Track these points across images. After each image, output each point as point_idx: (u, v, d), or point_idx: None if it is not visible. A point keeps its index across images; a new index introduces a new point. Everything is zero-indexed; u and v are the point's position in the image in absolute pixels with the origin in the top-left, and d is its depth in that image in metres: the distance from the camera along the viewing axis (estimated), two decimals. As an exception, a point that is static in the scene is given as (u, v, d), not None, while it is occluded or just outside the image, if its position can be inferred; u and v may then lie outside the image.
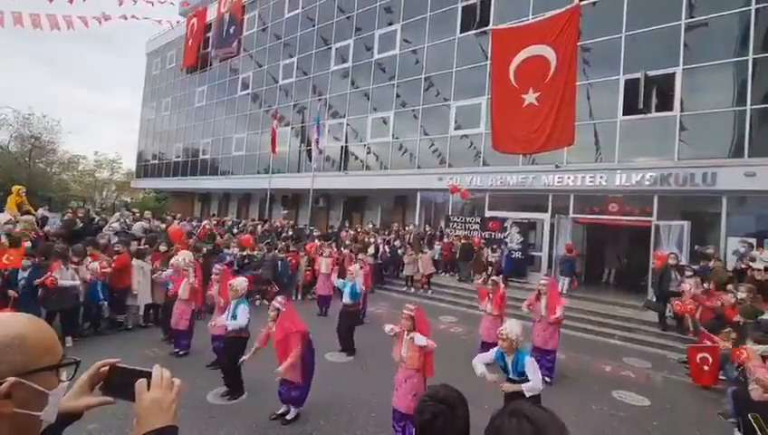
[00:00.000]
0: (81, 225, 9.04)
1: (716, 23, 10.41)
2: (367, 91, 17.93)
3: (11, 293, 5.51)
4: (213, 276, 6.09)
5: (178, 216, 14.15)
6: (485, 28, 13.96)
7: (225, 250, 10.35)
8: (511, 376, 3.73)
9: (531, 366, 3.54)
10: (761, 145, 9.64)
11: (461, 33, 15.04)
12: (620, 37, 11.65)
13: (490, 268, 11.97)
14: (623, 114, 11.48)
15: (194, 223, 13.93)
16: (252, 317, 4.93)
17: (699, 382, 6.03)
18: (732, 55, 10.19)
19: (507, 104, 10.16)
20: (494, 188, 13.59)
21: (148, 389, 0.91)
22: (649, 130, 11.22)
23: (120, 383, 0.95)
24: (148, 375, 0.93)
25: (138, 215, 11.82)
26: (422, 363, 3.78)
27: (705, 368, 5.96)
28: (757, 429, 3.31)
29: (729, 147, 10.17)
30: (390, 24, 17.21)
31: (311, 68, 20.43)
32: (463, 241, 12.52)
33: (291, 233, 14.27)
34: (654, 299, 8.91)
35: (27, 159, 30.72)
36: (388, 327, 4.04)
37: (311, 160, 16.77)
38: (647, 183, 10.78)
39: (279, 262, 10.22)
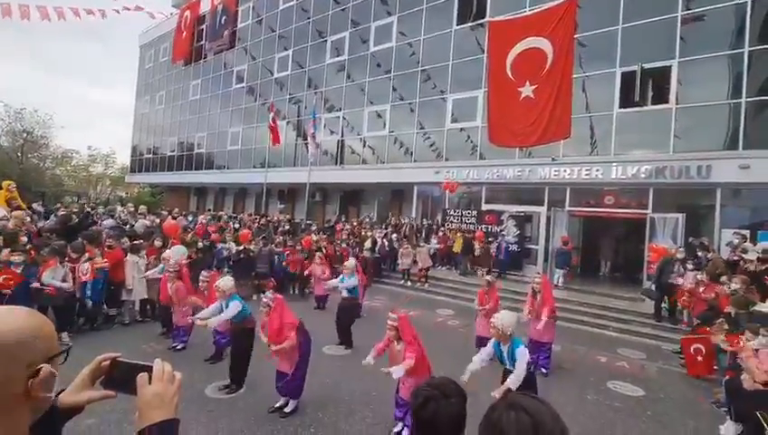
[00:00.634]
0: (77, 220, 8.97)
1: (713, 15, 10.40)
2: (363, 84, 17.82)
3: (5, 291, 5.45)
4: (200, 284, 6.07)
5: (175, 210, 14.04)
6: (482, 20, 13.87)
7: (222, 245, 10.35)
8: (507, 366, 3.80)
9: (520, 355, 3.62)
10: (755, 138, 9.69)
11: (457, 25, 14.94)
12: (617, 29, 11.61)
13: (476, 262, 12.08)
14: (619, 107, 11.50)
15: (189, 218, 13.85)
16: (251, 311, 4.96)
17: (693, 372, 6.12)
18: (728, 48, 10.20)
19: (504, 97, 10.14)
20: (491, 181, 13.61)
21: (150, 383, 0.92)
22: (645, 123, 11.24)
23: (121, 377, 0.96)
24: (149, 369, 0.94)
25: (132, 209, 11.73)
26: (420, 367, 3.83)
27: (699, 358, 6.05)
28: (765, 423, 3.37)
29: (724, 139, 10.22)
30: (387, 16, 17.05)
31: (306, 61, 20.26)
32: (465, 235, 12.55)
33: (287, 227, 14.25)
34: (652, 288, 8.97)
35: (20, 153, 30.36)
36: (366, 361, 3.99)
37: (308, 154, 16.66)
38: (642, 176, 10.83)
39: (276, 256, 10.21)
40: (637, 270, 11.50)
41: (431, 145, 15.59)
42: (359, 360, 5.95)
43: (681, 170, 10.30)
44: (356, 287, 7.03)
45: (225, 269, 9.53)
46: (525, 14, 11.72)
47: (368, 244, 12.16)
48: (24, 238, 6.50)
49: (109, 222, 9.67)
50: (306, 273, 9.79)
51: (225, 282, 4.82)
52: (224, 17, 24.79)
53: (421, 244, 12.57)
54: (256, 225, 13.61)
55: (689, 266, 8.18)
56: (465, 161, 14.30)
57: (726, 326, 5.43)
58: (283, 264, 10.34)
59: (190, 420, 3.98)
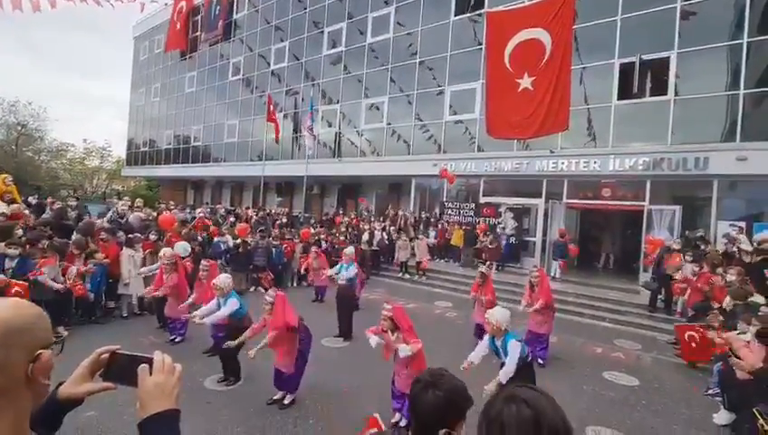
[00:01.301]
0: (75, 215, 8.90)
1: (712, 5, 10.34)
2: (360, 76, 17.68)
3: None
4: (200, 273, 6.07)
5: (171, 204, 13.98)
6: (480, 11, 13.75)
7: (219, 238, 10.32)
8: (503, 360, 3.83)
9: (511, 349, 3.67)
10: (753, 129, 9.69)
11: (455, 16, 14.81)
12: (616, 20, 11.54)
13: (484, 255, 12.11)
14: (617, 99, 11.46)
15: (187, 211, 13.80)
16: (250, 308, 4.97)
17: (690, 359, 6.13)
18: (726, 39, 10.15)
19: (502, 89, 10.09)
20: (489, 173, 13.60)
21: (151, 374, 0.93)
22: (643, 115, 11.22)
23: (121, 369, 0.96)
24: (149, 361, 0.95)
25: (129, 203, 11.65)
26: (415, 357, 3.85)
27: (694, 344, 6.07)
28: (760, 418, 3.42)
29: (722, 131, 10.22)
30: (384, 6, 16.86)
31: (303, 52, 20.07)
32: (465, 227, 12.56)
33: (285, 220, 14.23)
34: (651, 280, 9.04)
35: (14, 147, 30.13)
36: (373, 342, 4.04)
37: (305, 147, 16.60)
38: (640, 168, 10.84)
39: (273, 249, 10.21)
40: (633, 262, 11.57)
41: (429, 138, 15.54)
42: (357, 351, 6.02)
43: (678, 162, 10.31)
44: (354, 277, 7.03)
45: (220, 262, 9.47)
46: (524, 4, 11.63)
47: (365, 236, 12.16)
48: (20, 232, 6.47)
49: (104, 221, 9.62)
50: (304, 268, 9.81)
51: (223, 280, 4.77)
52: (218, 8, 24.48)
53: (419, 236, 12.58)
54: (254, 218, 13.57)
55: (688, 258, 8.22)
56: (464, 154, 14.27)
57: (721, 317, 5.48)
58: (284, 259, 10.35)
59: (189, 411, 4.00)
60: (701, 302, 6.81)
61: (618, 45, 11.47)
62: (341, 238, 12.31)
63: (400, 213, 14.73)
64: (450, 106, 14.88)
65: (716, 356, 5.37)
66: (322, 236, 11.87)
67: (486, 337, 3.99)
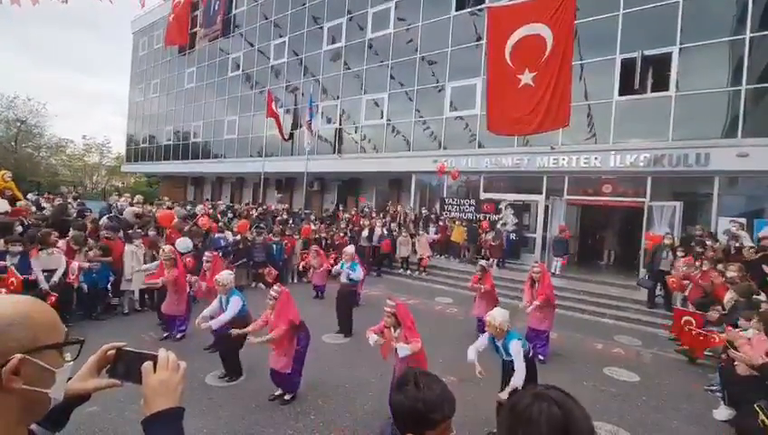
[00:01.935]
0: (75, 212, 8.91)
1: (714, 0, 10.28)
2: (360, 72, 17.60)
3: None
4: (204, 264, 6.08)
5: (165, 199, 13.97)
6: (481, 6, 13.67)
7: (219, 234, 10.31)
8: (504, 357, 3.86)
9: (516, 352, 3.64)
10: (754, 125, 9.67)
11: (456, 11, 14.72)
12: (617, 15, 11.47)
13: (484, 251, 12.12)
14: (619, 95, 11.42)
15: (188, 207, 13.79)
16: (250, 303, 4.97)
17: (688, 344, 6.07)
18: (729, 34, 10.10)
19: (503, 85, 10.04)
20: (489, 170, 13.57)
21: (155, 371, 0.93)
22: (644, 111, 11.19)
23: (127, 366, 0.97)
24: (154, 358, 0.95)
25: (128, 197, 11.68)
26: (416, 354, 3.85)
27: (689, 328, 5.98)
28: (761, 413, 3.42)
29: (723, 127, 10.20)
30: (385, 1, 16.74)
31: (302, 48, 19.97)
32: (471, 224, 12.60)
33: (285, 217, 14.22)
34: (646, 277, 9.06)
35: (13, 143, 30.07)
36: (372, 340, 4.03)
37: (305, 144, 16.55)
38: (641, 164, 10.82)
39: (274, 245, 10.20)
40: (634, 258, 11.58)
41: (431, 135, 15.49)
42: (358, 348, 6.03)
43: (679, 158, 10.29)
44: (356, 277, 7.00)
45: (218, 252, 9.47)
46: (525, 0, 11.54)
47: (365, 233, 12.16)
48: (20, 228, 6.47)
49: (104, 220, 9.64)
50: (303, 265, 9.80)
51: (225, 276, 4.76)
52: (217, 3, 24.34)
53: (420, 233, 12.57)
54: (254, 214, 13.56)
55: (679, 253, 8.23)
56: (464, 150, 14.23)
57: (723, 312, 5.48)
58: (284, 256, 10.35)
59: (191, 408, 4.01)
60: (701, 298, 6.82)
61: (619, 41, 11.42)
62: (341, 235, 12.30)
63: (400, 209, 14.72)
64: (450, 102, 14.82)
65: (716, 354, 5.39)
66: (323, 235, 11.86)
67: (486, 335, 3.99)
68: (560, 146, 12.10)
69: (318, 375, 4.89)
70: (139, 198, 11.80)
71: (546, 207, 12.39)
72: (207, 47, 25.45)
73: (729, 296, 5.76)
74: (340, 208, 17.41)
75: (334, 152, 18.35)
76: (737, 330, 4.59)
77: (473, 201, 13.45)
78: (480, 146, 13.94)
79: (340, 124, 18.37)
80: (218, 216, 12.15)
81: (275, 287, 4.46)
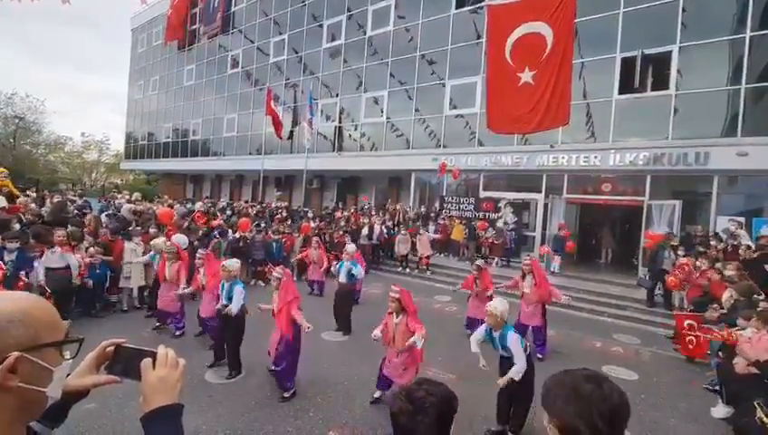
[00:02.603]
0: (75, 210, 8.89)
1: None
2: (359, 69, 17.57)
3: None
4: (196, 261, 6.09)
5: (165, 197, 13.96)
6: (481, 4, 13.63)
7: (217, 230, 10.30)
8: (501, 352, 3.90)
9: (514, 344, 3.69)
10: (754, 125, 9.67)
11: (456, 8, 14.68)
12: (618, 14, 11.46)
13: (483, 249, 12.12)
14: (619, 93, 11.41)
15: (187, 205, 13.78)
16: (249, 298, 4.99)
17: (687, 353, 6.14)
18: (729, 33, 10.09)
19: (503, 83, 10.01)
20: (489, 168, 13.57)
21: (154, 368, 0.93)
22: (644, 110, 11.19)
23: (125, 363, 0.96)
24: (153, 355, 0.95)
25: (124, 194, 11.69)
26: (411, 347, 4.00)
27: (692, 336, 6.01)
28: (760, 411, 3.42)
29: (722, 126, 10.20)
30: (384, -1, 16.71)
31: (302, 46, 19.91)
32: (472, 222, 12.62)
33: (285, 214, 14.20)
34: (646, 277, 9.08)
35: (12, 140, 29.98)
36: (375, 334, 4.20)
37: (305, 140, 16.52)
38: (640, 163, 10.82)
39: (273, 243, 10.19)
40: (633, 257, 11.59)
41: (430, 133, 15.47)
42: (357, 345, 6.04)
43: (679, 157, 10.29)
44: (356, 275, 6.98)
45: (214, 241, 9.46)
46: (525, -3, 11.49)
47: (365, 231, 12.15)
48: (17, 225, 6.46)
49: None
50: (303, 255, 9.76)
51: (233, 263, 4.94)
52: (216, 0, 24.25)
53: (421, 231, 12.56)
54: (253, 211, 13.55)
55: (681, 253, 8.24)
56: (464, 148, 14.22)
57: (722, 310, 5.49)
58: (284, 254, 10.34)
59: (191, 405, 4.01)
60: (700, 297, 6.83)
61: (619, 39, 11.40)
62: (341, 232, 12.28)
63: (398, 207, 14.72)
64: (450, 100, 14.80)
65: (714, 350, 5.39)
66: (322, 231, 11.84)
67: (483, 326, 4.05)
68: (559, 144, 12.10)
69: (317, 373, 4.90)
70: (137, 195, 11.79)
71: (545, 206, 12.39)
72: (207, 44, 25.37)
73: (727, 295, 5.76)
74: (340, 206, 17.40)
75: (334, 150, 18.33)
76: (735, 329, 4.60)
77: (472, 200, 13.45)
78: (480, 144, 13.93)
79: (340, 122, 18.34)
80: (217, 213, 12.15)
81: (278, 269, 4.64)
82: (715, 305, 5.83)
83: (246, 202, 17.63)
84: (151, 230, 8.10)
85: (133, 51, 32.88)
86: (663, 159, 10.50)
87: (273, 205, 16.97)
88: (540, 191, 12.64)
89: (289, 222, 12.88)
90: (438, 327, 7.02)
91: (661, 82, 10.85)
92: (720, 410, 4.49)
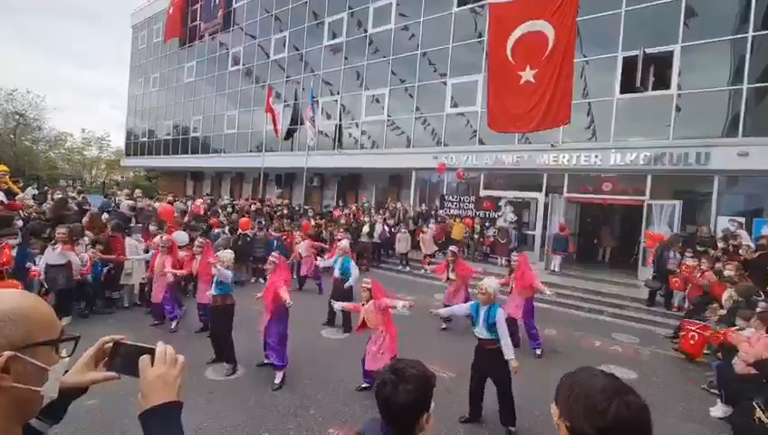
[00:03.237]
0: (75, 206, 8.89)
1: (717, -1, 10.25)
2: (360, 67, 17.53)
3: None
4: (195, 248, 6.18)
5: (168, 196, 13.97)
6: (483, 2, 13.59)
7: (218, 229, 10.30)
8: (479, 328, 3.97)
9: (500, 320, 3.84)
10: (755, 125, 9.66)
11: (458, 7, 14.64)
12: (620, 13, 11.42)
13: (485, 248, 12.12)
14: (620, 93, 11.39)
15: (188, 202, 13.80)
16: (249, 298, 5.01)
17: (685, 348, 6.14)
18: (731, 33, 10.06)
19: (504, 82, 10.01)
20: (490, 167, 13.56)
21: (152, 365, 0.92)
22: (645, 110, 11.17)
23: (124, 359, 0.96)
24: (151, 351, 0.94)
25: (127, 191, 11.72)
26: (383, 320, 4.36)
27: (692, 342, 6.06)
28: (759, 410, 3.43)
29: (723, 126, 10.18)
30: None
31: (303, 43, 19.86)
32: (482, 221, 12.68)
33: (285, 212, 14.21)
34: (652, 277, 9.05)
35: (12, 136, 29.96)
36: (337, 306, 5.02)
37: (307, 138, 16.50)
38: (641, 162, 10.81)
39: (275, 241, 10.20)
40: (633, 257, 11.59)
41: (432, 132, 15.45)
42: (356, 342, 6.03)
43: (680, 157, 10.28)
44: (349, 270, 6.88)
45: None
46: (527, -5, 11.46)
47: (366, 229, 12.15)
48: (20, 222, 6.47)
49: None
50: (294, 255, 9.76)
51: (227, 254, 5.06)
52: (218, -3, 24.18)
53: (424, 229, 12.55)
54: (253, 208, 13.56)
55: (688, 254, 8.23)
56: (464, 147, 14.21)
57: (721, 311, 5.50)
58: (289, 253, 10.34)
59: (190, 402, 4.02)
60: (700, 297, 6.84)
61: (621, 39, 11.37)
62: (341, 230, 12.28)
63: (399, 205, 14.72)
64: (451, 99, 14.78)
65: (713, 350, 5.41)
66: (322, 229, 11.85)
67: (470, 304, 4.21)
68: (560, 143, 12.09)
69: (318, 370, 4.91)
70: (138, 191, 11.81)
71: (546, 205, 12.39)
72: (208, 41, 25.30)
73: (727, 295, 5.78)
74: (339, 205, 17.40)
75: (334, 148, 18.31)
76: (734, 328, 4.61)
77: (472, 198, 13.45)
78: (480, 143, 13.91)
79: (341, 120, 18.31)
80: (218, 210, 12.16)
81: (274, 253, 4.98)
82: (715, 305, 5.85)
83: (247, 200, 17.62)
84: (151, 227, 8.11)
85: (134, 47, 32.80)
86: (664, 158, 10.49)
87: (273, 201, 16.99)
88: (540, 190, 12.64)
89: (289, 220, 12.89)
90: (438, 325, 7.04)
91: (662, 82, 10.83)
92: (719, 410, 4.51)
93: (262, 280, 9.50)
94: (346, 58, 18.04)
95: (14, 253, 5.69)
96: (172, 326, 6.15)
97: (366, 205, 16.05)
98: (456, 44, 14.67)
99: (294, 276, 10.62)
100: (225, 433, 3.66)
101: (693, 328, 6.02)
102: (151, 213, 9.63)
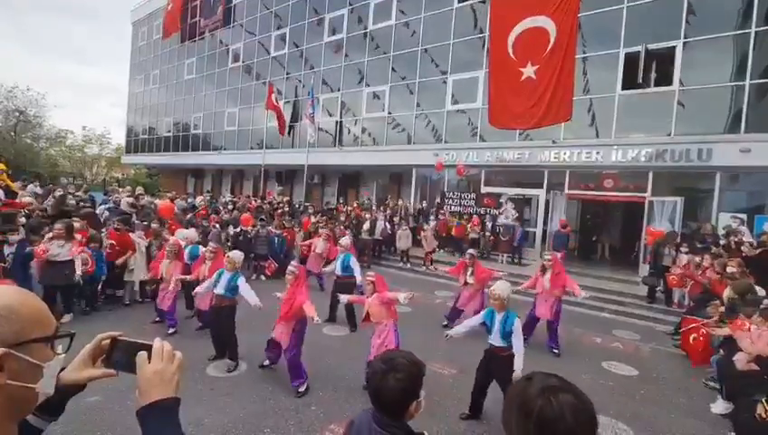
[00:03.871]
0: (76, 203, 8.91)
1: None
2: (361, 64, 17.47)
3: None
4: (207, 254, 6.09)
5: (168, 193, 13.98)
6: (484, -2, 13.52)
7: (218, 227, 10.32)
8: (493, 336, 3.91)
9: (518, 330, 3.78)
10: (757, 121, 9.62)
11: (459, 2, 14.57)
12: (622, 9, 11.36)
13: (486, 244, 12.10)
14: (621, 89, 11.35)
15: (188, 200, 13.81)
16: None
17: (686, 351, 6.13)
18: (733, 28, 10.00)
19: (505, 78, 9.96)
20: (491, 163, 13.53)
21: (149, 361, 0.91)
22: (647, 106, 11.13)
23: (122, 356, 0.95)
24: (149, 348, 0.93)
25: (126, 189, 11.75)
26: (387, 312, 4.38)
27: (692, 337, 6.00)
28: (762, 409, 3.43)
29: (725, 122, 10.14)
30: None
31: (303, 40, 19.79)
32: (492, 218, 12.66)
33: (287, 209, 14.21)
34: (648, 274, 9.07)
35: (13, 133, 29.94)
36: (343, 299, 5.01)
37: (307, 135, 16.47)
38: (642, 159, 10.78)
39: (276, 238, 10.21)
40: (634, 253, 11.58)
41: (432, 129, 15.42)
42: (359, 340, 6.05)
43: (681, 154, 10.25)
44: (350, 267, 6.88)
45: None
46: (529, -9, 11.39)
47: (366, 226, 12.15)
48: (23, 219, 6.49)
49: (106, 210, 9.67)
50: (308, 243, 9.70)
51: (237, 255, 5.05)
52: (218, -7, 24.07)
53: (425, 227, 12.55)
54: (253, 205, 13.57)
55: (683, 250, 8.23)
56: (465, 144, 14.18)
57: (722, 309, 5.50)
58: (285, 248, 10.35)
59: (191, 398, 4.04)
60: (701, 294, 6.84)
61: (623, 34, 11.31)
62: (342, 227, 12.29)
63: (400, 203, 14.71)
64: (452, 95, 14.73)
65: (715, 346, 5.41)
66: (321, 225, 11.83)
67: (483, 313, 4.11)
68: (561, 140, 12.05)
69: (319, 367, 4.92)
70: (140, 189, 11.84)
71: (547, 202, 12.37)
72: (208, 38, 25.22)
73: (728, 292, 5.78)
74: (340, 202, 17.40)
75: (335, 145, 18.28)
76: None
77: (473, 195, 13.44)
78: (481, 140, 13.88)
79: (341, 117, 18.27)
80: (219, 208, 12.17)
81: (293, 263, 4.82)
82: (717, 302, 5.84)
83: (248, 197, 17.63)
84: (153, 225, 8.12)
85: (133, 44, 32.72)
86: (665, 155, 10.46)
87: (274, 196, 16.99)
88: (541, 187, 12.62)
89: (290, 217, 12.89)
90: (439, 322, 7.05)
91: (664, 78, 10.77)
92: (720, 406, 4.51)
93: (263, 277, 9.52)
94: (346, 55, 17.98)
95: (13, 250, 5.72)
96: (169, 332, 6.08)
97: (366, 202, 16.04)
98: (457, 41, 14.61)
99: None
100: (225, 429, 3.67)
101: (694, 324, 6.00)
102: (151, 210, 9.63)
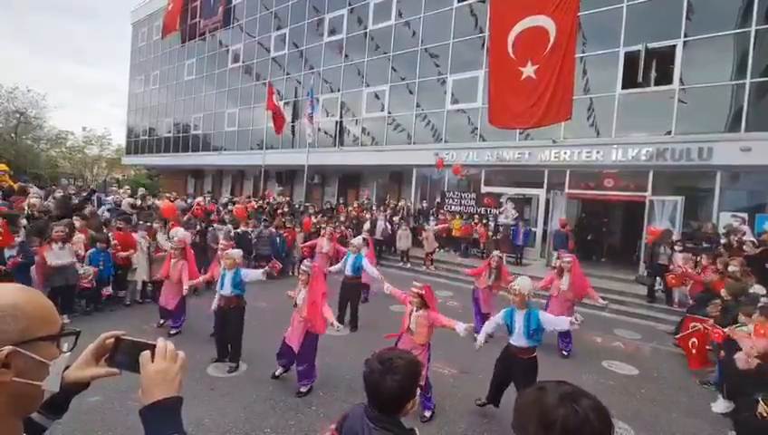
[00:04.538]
0: (77, 201, 8.92)
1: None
2: (361, 64, 17.47)
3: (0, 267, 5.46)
4: (219, 252, 6.04)
5: (169, 194, 13.99)
6: (484, -3, 13.52)
7: (218, 226, 10.31)
8: (515, 337, 3.76)
9: (545, 317, 3.70)
10: (758, 120, 9.61)
11: (458, 2, 14.57)
12: (621, 7, 11.35)
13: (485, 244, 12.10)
14: (621, 88, 11.34)
15: (188, 200, 13.81)
16: (250, 295, 5.05)
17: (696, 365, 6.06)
18: (734, 27, 9.99)
19: (505, 77, 9.96)
20: (491, 163, 13.53)
21: (153, 360, 0.92)
22: (647, 105, 11.11)
23: (125, 355, 0.96)
24: (152, 347, 0.94)
25: (125, 189, 11.76)
26: (429, 334, 3.99)
27: (694, 351, 5.95)
28: (762, 408, 3.42)
29: (726, 121, 10.13)
30: (386, -7, 16.57)
31: (303, 40, 19.80)
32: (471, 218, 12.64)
33: (287, 209, 14.21)
34: (645, 273, 9.07)
35: (13, 134, 29.95)
36: (389, 288, 4.49)
37: (306, 135, 16.47)
38: (643, 158, 10.77)
39: (277, 238, 10.21)
40: (634, 253, 11.57)
41: (432, 128, 15.41)
42: (361, 340, 6.06)
43: (682, 153, 10.24)
44: (360, 267, 6.73)
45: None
46: (528, -9, 11.39)
47: (366, 226, 12.15)
48: (24, 220, 6.50)
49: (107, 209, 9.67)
50: (311, 244, 9.68)
51: (237, 252, 5.08)
52: (218, -7, 24.06)
53: (426, 227, 12.56)
54: (252, 204, 13.57)
55: (677, 248, 8.22)
56: (465, 143, 14.17)
57: (722, 307, 5.49)
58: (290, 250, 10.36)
59: (193, 398, 4.04)
60: (702, 293, 6.83)
61: (623, 34, 11.30)
62: (343, 228, 12.28)
63: (402, 203, 14.72)
64: (452, 95, 14.73)
65: (715, 348, 5.39)
66: (323, 226, 11.83)
67: (502, 313, 3.95)
68: (561, 140, 12.05)
69: (321, 367, 4.90)
70: (142, 190, 11.85)
71: (547, 201, 12.37)
72: (207, 38, 25.23)
73: (723, 294, 5.79)
74: (340, 202, 17.40)
75: (335, 145, 18.28)
76: (735, 326, 4.61)
77: (473, 195, 13.43)
78: (481, 139, 13.88)
79: (341, 117, 18.27)
80: (219, 207, 12.17)
81: (306, 262, 4.65)
82: (717, 301, 5.83)
83: (248, 198, 17.62)
84: (155, 225, 8.12)
85: (133, 45, 32.73)
86: (666, 154, 10.45)
87: (274, 195, 16.98)
88: (542, 186, 12.61)
89: (290, 217, 12.89)
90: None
91: (665, 77, 10.77)
92: (720, 405, 4.51)
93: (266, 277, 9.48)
94: (346, 55, 17.98)
95: (13, 251, 5.73)
96: (171, 332, 6.07)
97: (366, 202, 16.05)
98: (457, 40, 14.60)
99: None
100: (226, 429, 3.68)
101: (693, 323, 5.97)
102: (153, 210, 9.64)
